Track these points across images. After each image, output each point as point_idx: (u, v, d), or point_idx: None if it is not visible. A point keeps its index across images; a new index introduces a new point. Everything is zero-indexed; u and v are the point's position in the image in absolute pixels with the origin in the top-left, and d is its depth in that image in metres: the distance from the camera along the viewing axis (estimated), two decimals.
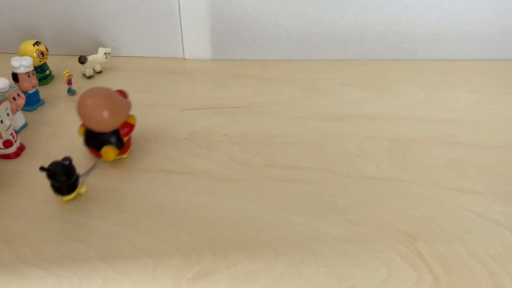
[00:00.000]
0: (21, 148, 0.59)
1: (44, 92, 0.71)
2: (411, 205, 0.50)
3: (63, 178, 0.48)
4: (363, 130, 0.62)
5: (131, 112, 0.55)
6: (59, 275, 0.43)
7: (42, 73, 0.73)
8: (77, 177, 0.50)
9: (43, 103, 0.69)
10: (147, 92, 0.72)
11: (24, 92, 0.64)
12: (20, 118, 0.63)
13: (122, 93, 0.55)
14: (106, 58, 0.76)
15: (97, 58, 0.75)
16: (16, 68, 0.65)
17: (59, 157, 0.57)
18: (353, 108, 0.67)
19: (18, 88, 0.62)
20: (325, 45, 0.79)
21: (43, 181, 0.54)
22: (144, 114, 0.66)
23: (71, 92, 0.71)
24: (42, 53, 0.72)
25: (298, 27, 0.77)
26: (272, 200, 0.51)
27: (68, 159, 0.49)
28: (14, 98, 0.59)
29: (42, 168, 0.48)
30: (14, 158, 0.58)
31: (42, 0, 0.78)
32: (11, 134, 0.57)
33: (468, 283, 0.42)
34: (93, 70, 0.76)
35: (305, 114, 0.66)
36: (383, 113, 0.65)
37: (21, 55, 0.70)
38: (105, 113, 0.51)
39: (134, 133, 0.61)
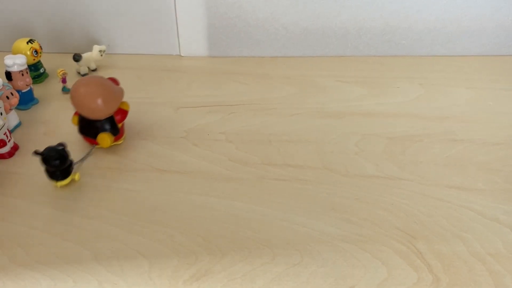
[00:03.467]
0: (15, 148, 0.58)
1: (38, 90, 0.70)
2: (410, 203, 0.49)
3: (56, 162, 0.49)
4: (361, 128, 0.61)
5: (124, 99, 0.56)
6: (53, 277, 0.42)
7: (36, 71, 0.73)
8: (71, 163, 0.51)
9: (37, 102, 0.68)
10: (143, 90, 0.71)
11: (18, 91, 0.64)
12: (13, 117, 0.62)
13: (114, 81, 0.56)
14: (101, 55, 0.75)
15: (91, 56, 0.75)
16: (9, 67, 0.64)
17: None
18: (351, 105, 0.66)
19: (11, 87, 0.61)
20: (322, 41, 0.78)
21: (38, 181, 0.53)
22: (140, 113, 0.65)
23: (65, 90, 0.70)
24: (36, 51, 0.71)
25: (295, 23, 0.76)
26: (270, 199, 0.50)
27: (62, 144, 0.50)
28: (7, 97, 0.58)
29: (36, 153, 0.49)
30: (7, 158, 0.57)
31: None
32: (4, 134, 0.56)
33: (468, 282, 0.41)
34: (88, 68, 0.76)
35: (302, 111, 0.65)
36: (382, 110, 0.65)
37: (15, 53, 0.69)
38: (99, 101, 0.52)
39: (129, 131, 0.61)
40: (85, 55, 0.74)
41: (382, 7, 0.74)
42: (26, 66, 0.65)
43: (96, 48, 0.74)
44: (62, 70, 0.69)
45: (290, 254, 0.44)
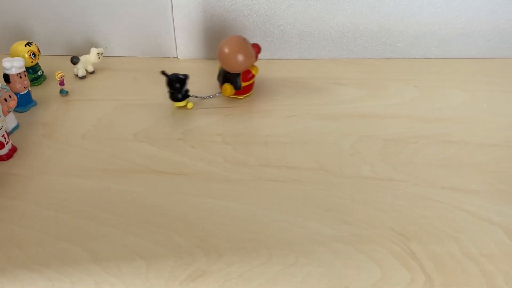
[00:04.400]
0: (13, 150, 0.59)
1: (36, 93, 0.70)
2: (405, 204, 0.50)
3: (177, 85, 0.64)
4: (357, 129, 0.62)
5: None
6: (51, 278, 0.43)
7: (34, 73, 0.73)
8: (187, 91, 0.65)
9: (35, 104, 0.68)
10: (140, 92, 0.71)
11: (16, 93, 0.64)
12: (12, 120, 0.62)
13: (257, 46, 0.67)
14: (99, 58, 0.75)
15: (89, 59, 0.75)
16: (7, 69, 0.64)
17: (53, 158, 0.58)
18: (347, 107, 0.66)
19: (9, 89, 0.61)
20: (318, 44, 0.79)
21: (35, 183, 0.54)
22: (137, 114, 0.66)
23: (63, 93, 0.71)
24: (34, 53, 0.71)
25: (291, 25, 0.77)
26: (266, 200, 0.51)
27: (185, 75, 0.64)
28: (5, 100, 0.59)
29: (163, 73, 0.64)
30: (6, 160, 0.57)
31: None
32: (2, 136, 0.56)
33: (461, 282, 0.42)
34: (86, 70, 0.76)
35: (299, 113, 0.65)
36: (377, 112, 0.65)
37: (13, 55, 0.69)
38: (239, 57, 0.64)
39: (127, 134, 0.61)
40: (83, 58, 0.74)
41: (377, 10, 0.75)
42: (24, 69, 0.66)
43: (93, 50, 0.75)
44: (60, 73, 0.69)
45: (286, 255, 0.44)
